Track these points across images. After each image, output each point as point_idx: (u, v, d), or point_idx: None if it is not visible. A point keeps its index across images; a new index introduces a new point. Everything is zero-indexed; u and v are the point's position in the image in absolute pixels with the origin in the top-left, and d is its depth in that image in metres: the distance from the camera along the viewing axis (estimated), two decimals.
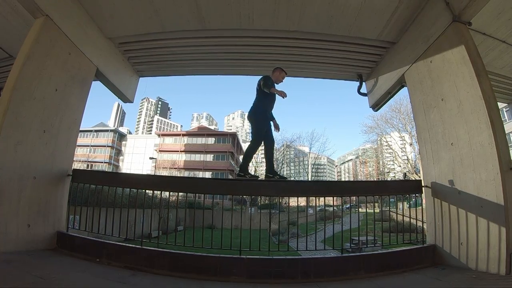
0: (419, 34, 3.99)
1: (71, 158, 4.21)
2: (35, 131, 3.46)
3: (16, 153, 3.19)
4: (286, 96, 3.81)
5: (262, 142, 4.08)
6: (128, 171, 35.29)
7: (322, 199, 4.14)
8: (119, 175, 12.35)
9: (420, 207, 4.33)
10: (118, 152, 49.78)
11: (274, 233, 14.40)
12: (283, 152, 53.50)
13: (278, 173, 4.22)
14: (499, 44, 4.66)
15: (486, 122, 3.02)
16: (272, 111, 4.30)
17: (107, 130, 49.76)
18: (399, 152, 31.90)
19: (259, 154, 41.37)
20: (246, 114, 4.35)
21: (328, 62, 5.35)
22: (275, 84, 4.09)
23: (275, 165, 4.32)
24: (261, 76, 4.10)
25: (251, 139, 4.14)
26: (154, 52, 5.25)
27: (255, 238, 3.55)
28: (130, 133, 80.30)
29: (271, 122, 4.26)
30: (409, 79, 4.36)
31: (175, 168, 37.53)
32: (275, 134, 4.28)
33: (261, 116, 4.06)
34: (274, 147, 4.38)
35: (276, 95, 4.00)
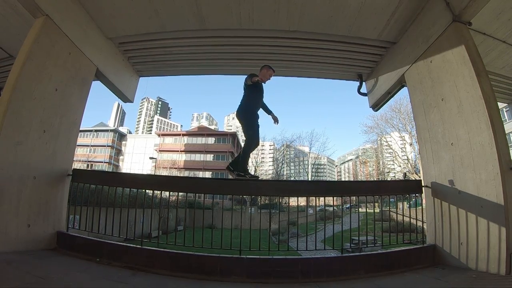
0: (419, 34, 3.99)
1: (71, 158, 4.21)
2: (35, 131, 3.46)
3: (16, 153, 3.19)
4: (262, 81, 3.97)
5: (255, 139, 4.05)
6: (128, 171, 35.31)
7: (322, 199, 4.14)
8: (119, 175, 12.36)
9: (420, 207, 4.32)
10: (118, 152, 49.78)
11: (274, 233, 14.40)
12: (283, 152, 53.54)
13: (249, 171, 4.15)
14: (499, 44, 4.66)
15: (486, 122, 3.02)
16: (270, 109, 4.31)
17: (107, 130, 49.78)
18: (399, 152, 31.89)
19: (259, 154, 41.49)
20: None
21: (328, 62, 5.35)
22: (262, 84, 4.11)
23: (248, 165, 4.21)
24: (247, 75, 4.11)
25: (244, 137, 4.12)
26: (154, 52, 5.25)
27: (255, 238, 3.55)
28: (130, 133, 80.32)
29: (270, 117, 4.27)
30: (409, 79, 4.36)
31: (175, 168, 37.54)
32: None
33: (250, 113, 4.04)
34: (257, 148, 4.31)
35: (263, 92, 4.13)
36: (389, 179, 32.49)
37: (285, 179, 43.45)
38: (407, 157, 30.45)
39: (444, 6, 3.50)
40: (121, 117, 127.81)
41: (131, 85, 5.66)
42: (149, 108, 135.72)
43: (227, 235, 3.73)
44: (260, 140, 4.22)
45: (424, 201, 4.06)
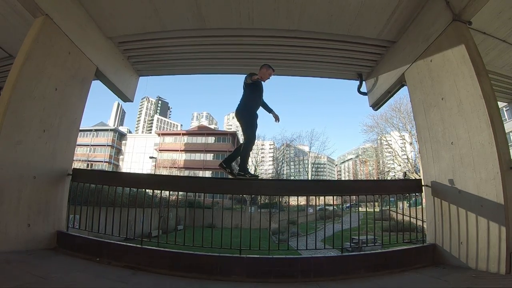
0: (419, 33, 3.98)
1: (71, 158, 4.21)
2: (35, 131, 3.46)
3: (16, 153, 3.19)
4: (262, 80, 3.99)
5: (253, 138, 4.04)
6: (128, 171, 35.33)
7: (322, 198, 4.14)
8: (119, 174, 12.35)
9: (420, 206, 4.33)
10: (118, 152, 49.78)
11: (274, 232, 14.41)
12: (283, 151, 53.56)
13: (249, 171, 4.18)
14: (499, 43, 4.65)
15: (486, 122, 3.02)
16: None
17: (107, 130, 49.78)
18: (399, 151, 31.89)
19: (259, 154, 41.46)
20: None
21: (328, 61, 5.34)
22: (261, 82, 4.12)
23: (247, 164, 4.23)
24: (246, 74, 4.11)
25: (243, 137, 4.11)
26: (154, 52, 5.24)
27: (255, 238, 3.56)
28: (130, 132, 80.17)
29: (271, 115, 4.27)
30: (409, 78, 4.35)
31: (175, 168, 37.54)
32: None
33: (249, 112, 4.05)
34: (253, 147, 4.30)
35: (263, 91, 4.15)
36: (389, 178, 32.49)
37: (285, 178, 43.45)
38: (407, 156, 30.47)
39: (444, 5, 3.49)
40: (121, 116, 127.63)
41: (131, 84, 5.66)
42: (149, 107, 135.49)
43: (227, 235, 3.73)
44: (256, 140, 4.23)
45: (424, 201, 4.06)
